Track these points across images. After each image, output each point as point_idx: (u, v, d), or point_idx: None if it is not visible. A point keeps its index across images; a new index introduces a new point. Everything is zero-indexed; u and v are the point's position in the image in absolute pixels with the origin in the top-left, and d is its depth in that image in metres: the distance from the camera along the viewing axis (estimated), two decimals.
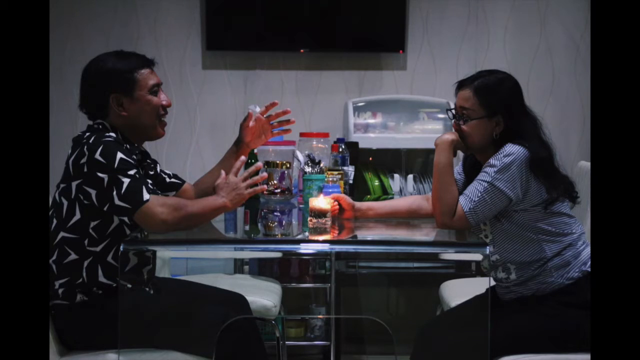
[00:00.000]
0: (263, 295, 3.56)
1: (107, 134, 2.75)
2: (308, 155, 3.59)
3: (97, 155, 2.65)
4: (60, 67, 4.77)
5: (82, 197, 2.68)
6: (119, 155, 2.66)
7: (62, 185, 2.75)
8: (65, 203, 2.73)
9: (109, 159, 2.64)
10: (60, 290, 2.72)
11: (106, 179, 2.63)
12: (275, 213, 3.16)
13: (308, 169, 3.34)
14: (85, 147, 2.68)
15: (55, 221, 2.75)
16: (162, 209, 2.66)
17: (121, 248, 2.64)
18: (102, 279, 2.73)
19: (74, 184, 2.69)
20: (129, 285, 2.79)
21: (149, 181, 2.83)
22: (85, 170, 2.65)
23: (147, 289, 2.89)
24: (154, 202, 2.66)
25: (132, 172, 2.66)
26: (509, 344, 2.74)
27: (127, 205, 2.63)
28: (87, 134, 2.77)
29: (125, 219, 2.71)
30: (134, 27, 4.89)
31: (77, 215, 2.72)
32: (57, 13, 4.70)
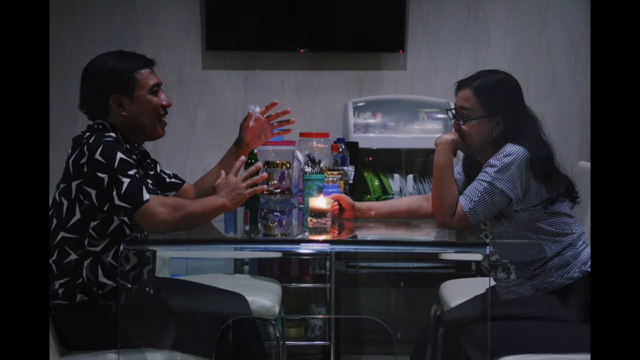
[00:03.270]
0: (263, 295, 3.56)
1: (107, 134, 2.75)
2: (308, 155, 3.59)
3: (97, 155, 2.65)
4: (60, 67, 4.77)
5: (82, 197, 2.68)
6: (119, 155, 2.66)
7: (62, 185, 2.75)
8: (65, 203, 2.73)
9: (109, 159, 2.64)
10: (60, 290, 2.72)
11: (106, 179, 2.63)
12: (275, 213, 3.16)
13: (308, 169, 3.34)
14: (85, 147, 2.68)
15: (55, 221, 2.75)
16: (162, 209, 2.66)
17: (121, 248, 2.64)
18: (102, 278, 2.73)
19: (74, 184, 2.69)
20: (129, 285, 2.79)
21: (149, 181, 2.83)
22: (86, 170, 2.65)
23: (147, 289, 2.89)
24: (154, 202, 2.66)
25: (132, 172, 2.66)
26: (509, 344, 2.74)
27: (127, 205, 2.63)
28: (87, 134, 2.77)
29: (126, 219, 2.71)
30: (134, 27, 4.89)
31: (77, 215, 2.71)
32: (57, 13, 4.70)
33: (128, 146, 2.80)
